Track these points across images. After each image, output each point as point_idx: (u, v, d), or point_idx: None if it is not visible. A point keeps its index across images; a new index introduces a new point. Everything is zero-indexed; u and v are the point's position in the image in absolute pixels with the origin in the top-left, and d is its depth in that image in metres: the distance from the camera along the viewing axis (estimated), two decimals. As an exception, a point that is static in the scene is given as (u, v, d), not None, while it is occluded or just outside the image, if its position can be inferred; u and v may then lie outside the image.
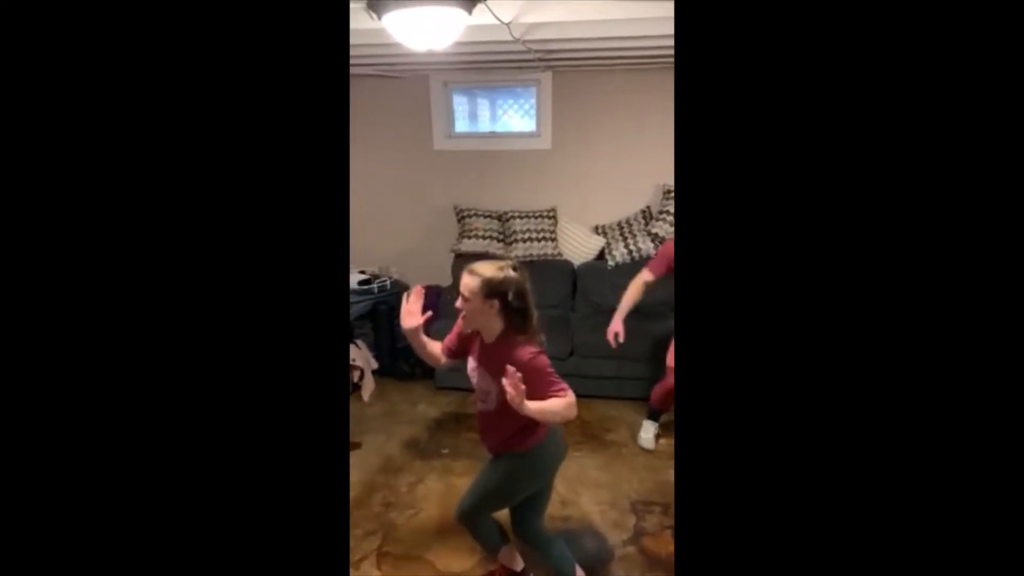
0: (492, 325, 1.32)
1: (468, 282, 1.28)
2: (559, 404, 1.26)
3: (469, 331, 1.39)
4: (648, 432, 2.40)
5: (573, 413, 1.29)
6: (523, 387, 1.19)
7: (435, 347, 1.52)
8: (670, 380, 2.22)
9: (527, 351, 1.28)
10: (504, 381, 1.19)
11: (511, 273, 1.29)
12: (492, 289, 1.27)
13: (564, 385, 1.29)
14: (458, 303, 1.32)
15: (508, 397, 1.20)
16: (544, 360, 1.30)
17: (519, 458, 1.41)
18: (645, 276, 2.13)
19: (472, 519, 1.51)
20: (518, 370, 1.20)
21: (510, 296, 1.27)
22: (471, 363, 1.43)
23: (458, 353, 1.48)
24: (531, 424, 1.32)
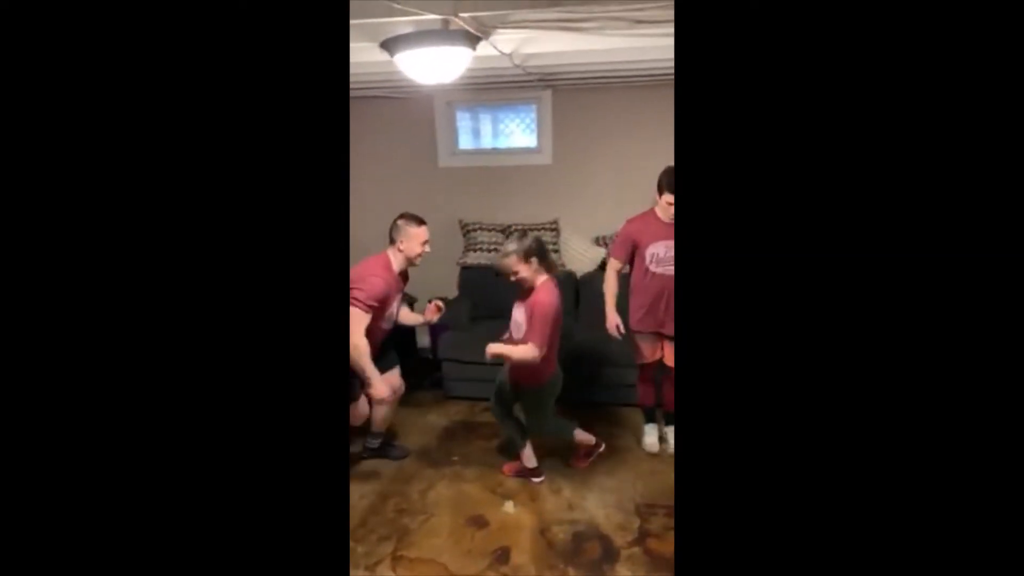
0: (534, 277, 1.91)
1: (507, 262, 1.88)
2: (522, 350, 1.88)
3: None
4: (651, 436, 2.47)
5: (531, 355, 1.88)
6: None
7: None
8: (643, 375, 2.38)
9: (542, 294, 1.89)
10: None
11: (524, 239, 1.90)
12: (527, 252, 1.87)
13: (542, 336, 1.87)
14: (513, 276, 1.90)
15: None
16: (543, 308, 1.86)
17: (534, 391, 2.08)
18: (614, 265, 2.24)
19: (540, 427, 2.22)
20: (530, 310, 1.88)
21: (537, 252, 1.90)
22: (516, 307, 2.01)
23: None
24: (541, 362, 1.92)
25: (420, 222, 2.10)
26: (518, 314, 1.97)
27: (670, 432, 2.50)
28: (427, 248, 2.12)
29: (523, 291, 1.95)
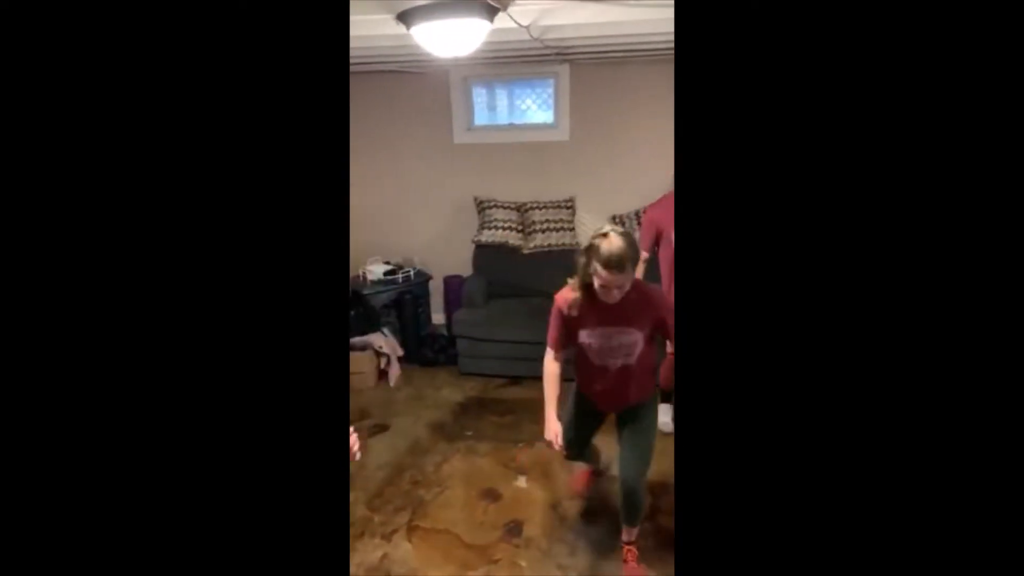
0: (627, 283, 1.37)
1: (618, 277, 1.33)
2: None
3: (611, 301, 1.40)
4: (666, 416, 2.48)
5: None
6: None
7: (554, 373, 1.59)
8: (670, 359, 2.32)
9: (650, 288, 1.52)
10: None
11: (626, 236, 1.37)
12: (636, 254, 1.38)
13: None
14: (607, 285, 1.34)
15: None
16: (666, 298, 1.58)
17: (651, 402, 1.68)
18: (642, 255, 2.21)
19: (644, 476, 1.65)
20: (666, 306, 1.46)
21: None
22: (593, 333, 1.48)
23: (568, 341, 1.55)
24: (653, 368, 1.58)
25: None
26: (615, 336, 1.48)
27: None
28: None
29: (614, 305, 1.41)
